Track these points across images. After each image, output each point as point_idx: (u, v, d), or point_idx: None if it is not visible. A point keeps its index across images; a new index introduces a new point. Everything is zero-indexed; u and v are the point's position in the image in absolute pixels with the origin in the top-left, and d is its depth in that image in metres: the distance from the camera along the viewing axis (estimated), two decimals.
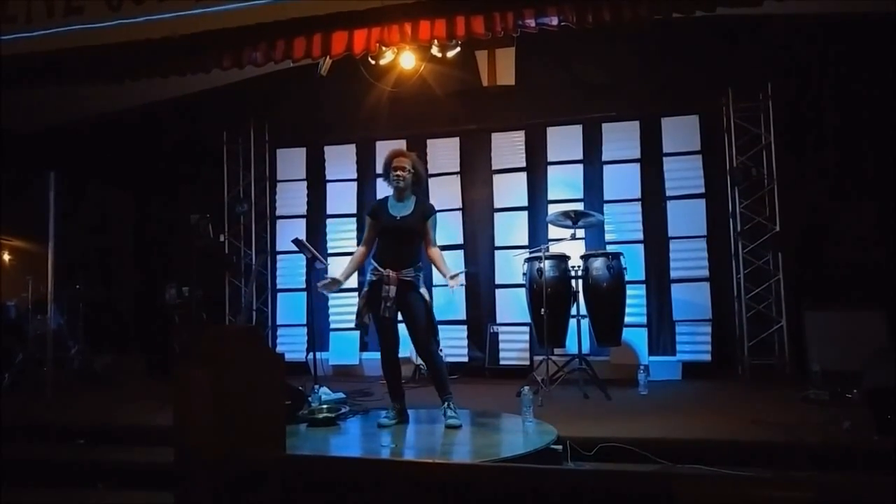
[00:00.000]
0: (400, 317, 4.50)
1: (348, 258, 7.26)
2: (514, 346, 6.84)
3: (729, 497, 1.58)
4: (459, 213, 7.14)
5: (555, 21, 4.66)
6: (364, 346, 7.31)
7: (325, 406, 4.79)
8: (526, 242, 6.80)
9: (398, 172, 4.48)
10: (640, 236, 6.68)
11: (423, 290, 4.44)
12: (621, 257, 5.86)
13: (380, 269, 4.42)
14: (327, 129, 7.60)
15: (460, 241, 7.11)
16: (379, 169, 7.29)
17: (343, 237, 7.48)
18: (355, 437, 4.50)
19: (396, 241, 4.46)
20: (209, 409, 2.00)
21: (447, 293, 6.23)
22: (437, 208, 4.67)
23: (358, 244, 7.30)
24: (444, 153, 7.20)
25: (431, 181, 6.76)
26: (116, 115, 7.45)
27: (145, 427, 4.57)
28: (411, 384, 6.04)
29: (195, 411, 2.02)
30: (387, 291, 4.34)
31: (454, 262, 6.96)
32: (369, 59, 5.86)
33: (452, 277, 4.37)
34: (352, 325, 7.19)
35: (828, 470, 3.48)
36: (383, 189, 7.06)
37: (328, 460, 2.88)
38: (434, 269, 4.81)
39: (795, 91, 6.27)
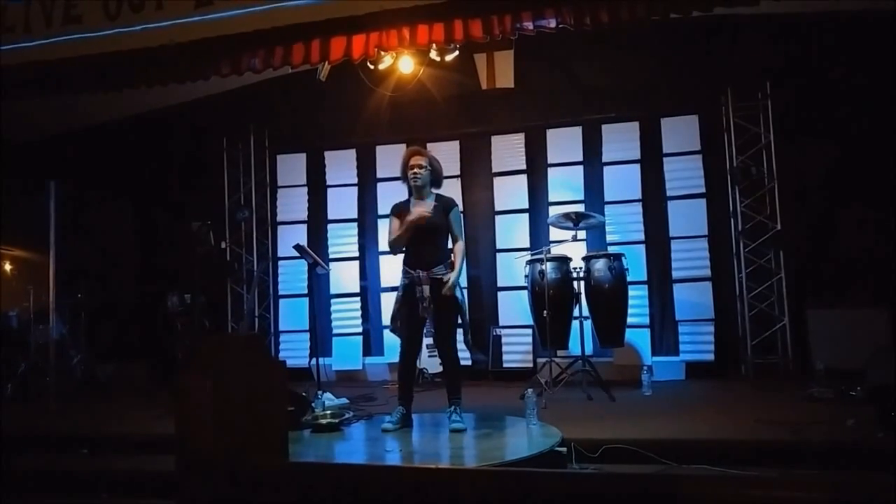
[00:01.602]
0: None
1: (349, 263, 7.41)
2: (516, 348, 6.83)
3: (738, 498, 1.57)
4: (461, 216, 7.12)
5: (553, 23, 4.66)
6: (367, 351, 7.32)
7: (328, 412, 4.78)
8: (527, 245, 6.80)
9: (415, 170, 4.48)
10: (642, 237, 6.68)
11: (455, 290, 4.42)
12: (623, 258, 5.85)
13: (410, 270, 4.42)
14: (327, 134, 7.61)
15: (464, 240, 7.09)
16: (379, 173, 7.41)
17: (344, 242, 7.48)
18: (359, 442, 4.48)
19: (421, 240, 4.45)
20: (210, 417, 2.00)
21: None
22: None
23: (360, 249, 7.44)
24: (444, 157, 7.07)
25: None
26: (116, 123, 7.46)
27: (148, 435, 4.56)
28: (415, 388, 6.02)
29: (197, 419, 2.02)
30: (421, 292, 4.33)
31: None
32: (368, 63, 5.86)
33: (446, 283, 4.36)
34: (355, 330, 7.34)
35: (833, 468, 3.47)
36: (384, 194, 7.15)
37: (329, 467, 2.87)
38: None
39: (794, 90, 6.27)
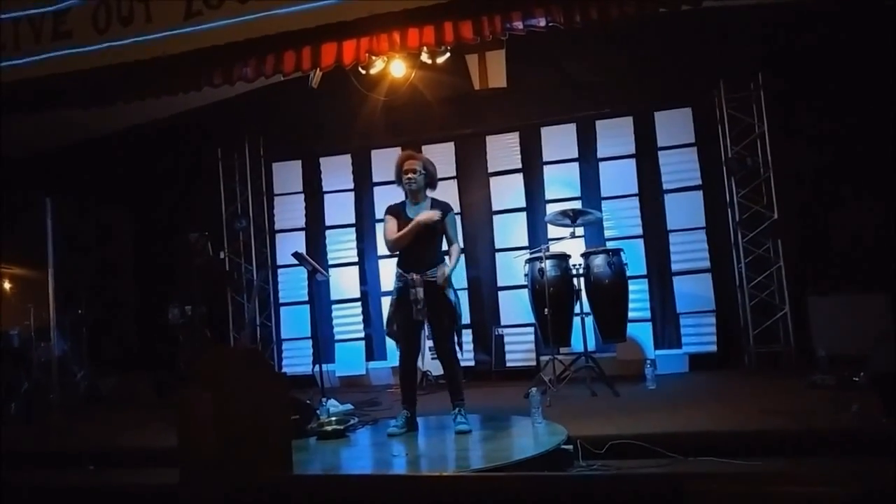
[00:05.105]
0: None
1: (349, 269, 7.41)
2: (519, 347, 6.84)
3: (751, 494, 1.56)
4: (458, 218, 7.11)
5: (542, 22, 4.64)
6: (370, 356, 7.31)
7: (333, 418, 4.76)
8: (526, 243, 6.80)
9: (409, 175, 4.48)
10: (640, 231, 6.69)
11: (449, 292, 4.42)
12: (622, 253, 5.85)
13: (404, 273, 4.42)
14: (322, 140, 7.61)
15: (460, 245, 7.08)
16: (376, 177, 7.41)
17: (343, 248, 7.48)
18: (366, 448, 4.48)
19: (416, 243, 4.44)
20: (212, 430, 2.00)
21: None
22: None
23: (358, 255, 7.43)
24: (439, 158, 7.09)
25: None
26: (111, 136, 7.45)
27: (152, 448, 4.55)
28: (418, 391, 6.01)
29: (199, 433, 2.02)
30: (415, 294, 4.33)
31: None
32: (360, 69, 5.85)
33: (441, 275, 4.37)
34: (357, 335, 7.33)
35: (839, 455, 3.47)
36: (381, 198, 7.14)
37: (332, 478, 2.87)
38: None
39: (786, 78, 6.27)
